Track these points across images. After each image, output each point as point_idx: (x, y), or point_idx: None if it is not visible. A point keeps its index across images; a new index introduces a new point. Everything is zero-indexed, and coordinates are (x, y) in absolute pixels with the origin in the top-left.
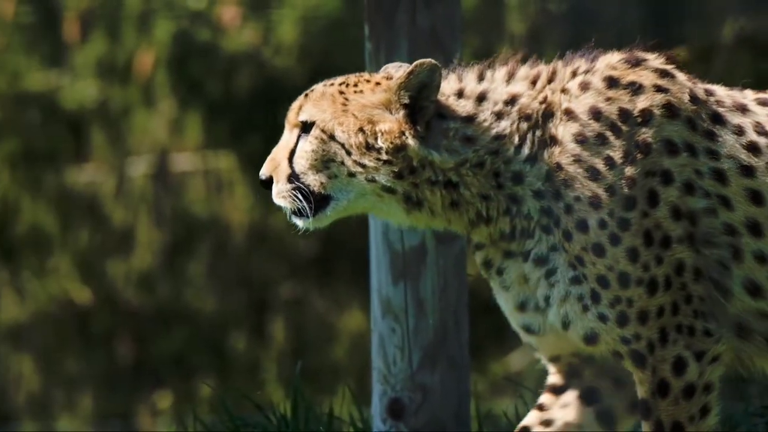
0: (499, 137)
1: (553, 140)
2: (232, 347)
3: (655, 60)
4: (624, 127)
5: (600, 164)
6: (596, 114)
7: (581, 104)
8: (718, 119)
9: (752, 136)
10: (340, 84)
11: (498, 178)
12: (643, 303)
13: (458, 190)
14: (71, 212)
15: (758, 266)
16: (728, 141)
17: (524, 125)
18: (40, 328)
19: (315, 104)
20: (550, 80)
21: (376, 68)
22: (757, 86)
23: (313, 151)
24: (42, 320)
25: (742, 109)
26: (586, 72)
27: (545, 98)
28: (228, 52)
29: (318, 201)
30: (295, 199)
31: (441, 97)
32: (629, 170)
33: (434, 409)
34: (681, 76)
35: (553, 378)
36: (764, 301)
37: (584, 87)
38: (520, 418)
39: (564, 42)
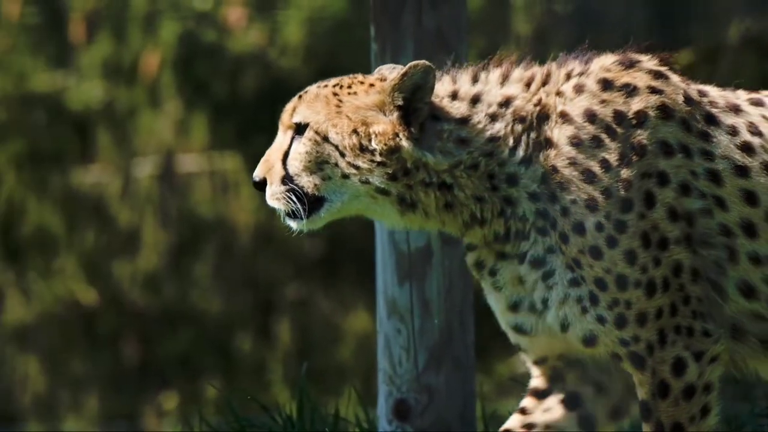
0: (494, 139)
1: (549, 143)
2: (237, 348)
3: (648, 61)
4: (619, 130)
5: (596, 167)
6: (591, 116)
7: (576, 107)
8: (711, 120)
9: (746, 136)
10: (334, 86)
11: (492, 180)
12: (641, 305)
13: (452, 191)
14: (77, 213)
15: (753, 267)
16: (722, 141)
17: (519, 127)
18: (46, 329)
19: (309, 106)
20: (544, 82)
21: None
22: (764, 87)
23: (306, 152)
24: (48, 321)
25: (735, 109)
26: (581, 74)
27: (540, 101)
28: (234, 53)
29: (312, 203)
30: (289, 200)
31: (435, 99)
32: (625, 172)
33: (440, 410)
34: (675, 78)
35: (536, 381)
36: (758, 302)
37: (579, 89)
38: None
39: (570, 43)
